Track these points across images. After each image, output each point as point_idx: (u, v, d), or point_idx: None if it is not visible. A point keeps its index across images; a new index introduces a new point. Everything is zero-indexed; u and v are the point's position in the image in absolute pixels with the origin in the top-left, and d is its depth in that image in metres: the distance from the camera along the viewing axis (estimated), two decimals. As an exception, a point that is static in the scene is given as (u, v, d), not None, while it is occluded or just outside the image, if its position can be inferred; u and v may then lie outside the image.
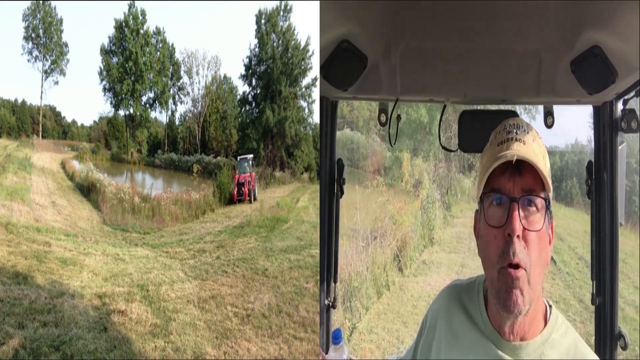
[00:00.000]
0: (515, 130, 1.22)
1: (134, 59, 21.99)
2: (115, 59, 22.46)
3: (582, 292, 9.72)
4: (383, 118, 2.09)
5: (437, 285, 9.70)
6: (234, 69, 38.58)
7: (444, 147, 2.23)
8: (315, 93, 21.50)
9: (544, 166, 1.18)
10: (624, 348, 1.88)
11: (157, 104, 24.16)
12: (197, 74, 23.93)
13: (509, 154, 1.14)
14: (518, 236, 1.13)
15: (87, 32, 37.38)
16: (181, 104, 26.10)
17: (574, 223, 16.03)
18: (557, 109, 2.06)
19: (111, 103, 23.35)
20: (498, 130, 1.27)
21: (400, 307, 9.04)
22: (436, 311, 1.41)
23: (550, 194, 1.20)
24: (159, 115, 27.23)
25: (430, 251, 12.38)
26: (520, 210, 1.14)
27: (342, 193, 2.10)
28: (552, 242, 1.22)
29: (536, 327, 1.20)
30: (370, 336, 7.88)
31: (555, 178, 21.58)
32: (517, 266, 1.13)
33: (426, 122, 18.26)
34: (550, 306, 1.25)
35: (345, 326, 7.73)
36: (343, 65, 1.62)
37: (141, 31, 22.34)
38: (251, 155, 17.39)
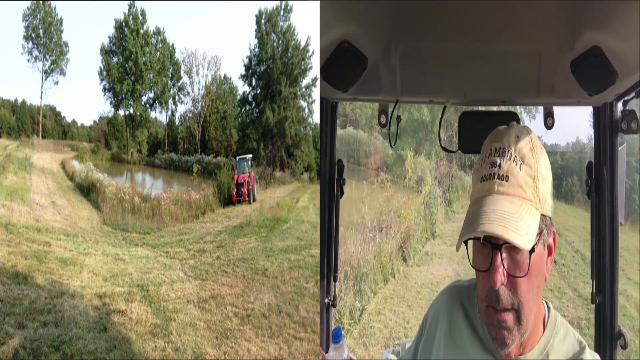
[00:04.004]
0: (498, 161, 1.11)
1: (134, 59, 22.00)
2: (115, 59, 22.49)
3: (577, 282, 10.17)
4: (383, 119, 2.09)
5: (439, 275, 10.30)
6: (234, 69, 38.69)
7: (443, 148, 2.23)
8: (315, 93, 21.53)
9: (534, 191, 1.09)
10: (624, 347, 1.88)
11: (157, 104, 24.21)
12: (197, 74, 23.98)
13: (477, 229, 1.04)
14: (503, 283, 1.08)
15: (87, 32, 37.49)
16: (181, 104, 26.16)
17: (572, 219, 16.45)
18: (558, 108, 2.06)
19: (111, 103, 23.44)
20: (483, 155, 1.17)
21: (405, 292, 9.53)
22: (436, 312, 1.40)
23: (549, 213, 1.13)
24: (159, 115, 27.29)
25: (432, 244, 12.80)
26: (505, 254, 1.07)
27: (342, 193, 2.11)
28: (554, 252, 1.17)
29: (535, 334, 1.19)
30: (379, 317, 8.37)
31: (556, 176, 21.50)
32: (504, 309, 1.09)
33: (428, 121, 18.45)
34: (549, 308, 1.24)
35: (355, 307, 8.24)
36: (343, 66, 1.61)
37: (141, 31, 22.36)
38: (250, 156, 17.36)
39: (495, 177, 1.10)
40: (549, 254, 1.16)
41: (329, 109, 2.05)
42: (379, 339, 7.56)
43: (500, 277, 1.06)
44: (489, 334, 1.16)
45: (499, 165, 1.11)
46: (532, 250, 1.06)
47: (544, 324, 1.21)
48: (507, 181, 1.09)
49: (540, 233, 1.10)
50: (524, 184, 1.09)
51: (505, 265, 1.07)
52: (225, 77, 24.67)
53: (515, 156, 1.11)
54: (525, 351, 1.17)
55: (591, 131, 1.99)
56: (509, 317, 1.10)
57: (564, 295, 9.36)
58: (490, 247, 1.08)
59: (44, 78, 22.48)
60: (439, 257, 11.60)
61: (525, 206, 1.08)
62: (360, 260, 9.20)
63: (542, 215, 1.11)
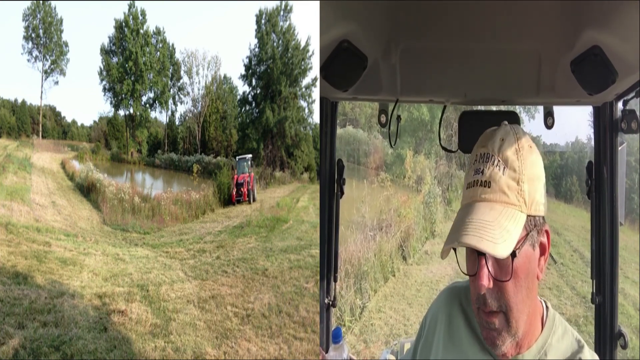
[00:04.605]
0: (482, 167, 1.12)
1: (134, 59, 22.01)
2: (115, 59, 22.50)
3: (575, 281, 10.33)
4: (383, 119, 2.09)
5: (439, 274, 10.51)
6: (234, 69, 38.72)
7: (443, 148, 2.23)
8: (315, 93, 21.52)
9: (517, 194, 1.08)
10: (624, 347, 1.88)
11: (157, 104, 24.22)
12: (197, 74, 23.99)
13: (455, 240, 1.05)
14: (489, 288, 1.08)
15: (87, 32, 37.54)
16: (181, 104, 26.18)
17: (572, 219, 16.57)
18: (558, 108, 2.06)
19: (111, 103, 23.47)
20: (471, 161, 1.18)
21: (405, 290, 9.70)
22: (435, 313, 1.40)
23: (541, 213, 1.12)
24: (159, 115, 27.31)
25: (432, 243, 12.89)
26: (491, 259, 1.07)
27: (342, 193, 2.11)
28: (548, 251, 1.16)
29: (533, 333, 1.18)
30: (379, 314, 8.50)
31: (555, 176, 21.78)
32: (491, 311, 1.11)
33: (427, 120, 18.50)
34: (547, 307, 1.23)
35: (356, 305, 8.35)
36: (343, 65, 1.61)
37: (141, 31, 22.36)
38: (250, 155, 17.34)
39: (478, 184, 1.11)
40: (542, 253, 1.15)
41: (329, 109, 2.05)
42: (379, 336, 7.64)
43: (485, 282, 1.07)
44: (482, 335, 1.18)
45: (482, 172, 1.11)
46: (514, 255, 1.06)
47: (542, 323, 1.20)
48: (489, 187, 1.10)
49: (526, 235, 1.10)
50: (507, 189, 1.09)
51: (492, 270, 1.08)
52: (225, 77, 24.72)
53: (499, 161, 1.10)
54: (523, 350, 1.17)
55: (591, 131, 1.99)
56: (497, 320, 1.11)
57: (563, 294, 9.50)
58: (476, 252, 1.08)
59: (44, 78, 22.53)
60: (438, 256, 11.65)
61: (506, 211, 1.08)
62: (360, 259, 9.32)
63: (530, 216, 1.10)
